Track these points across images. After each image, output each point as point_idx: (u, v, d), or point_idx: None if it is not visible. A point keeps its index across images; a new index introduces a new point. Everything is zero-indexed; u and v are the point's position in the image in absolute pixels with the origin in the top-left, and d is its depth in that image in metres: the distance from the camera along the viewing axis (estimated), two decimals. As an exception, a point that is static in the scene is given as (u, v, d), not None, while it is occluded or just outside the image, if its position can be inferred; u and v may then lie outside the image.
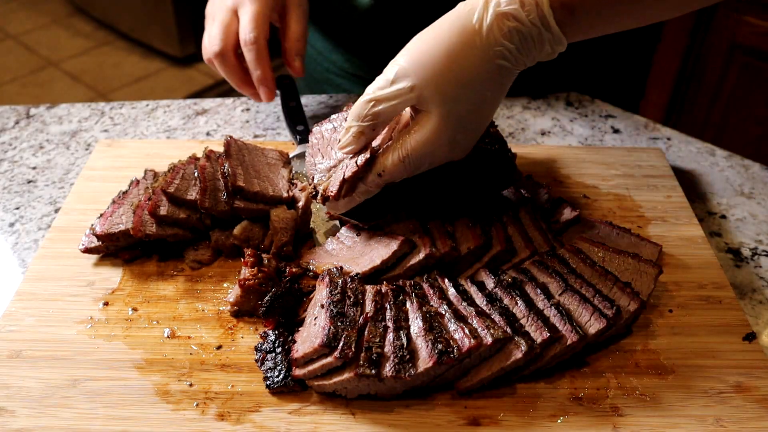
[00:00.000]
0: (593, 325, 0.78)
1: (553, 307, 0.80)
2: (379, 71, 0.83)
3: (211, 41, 1.09)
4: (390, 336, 0.76)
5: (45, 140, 1.21)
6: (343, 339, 0.74)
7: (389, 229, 0.90)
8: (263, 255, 0.89)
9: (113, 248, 0.93)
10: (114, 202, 0.97)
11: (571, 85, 1.33)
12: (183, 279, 0.91)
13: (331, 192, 0.86)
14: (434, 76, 0.78)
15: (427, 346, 0.74)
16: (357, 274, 0.84)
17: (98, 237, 0.91)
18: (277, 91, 1.13)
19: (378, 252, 0.87)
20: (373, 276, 0.86)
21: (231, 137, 1.01)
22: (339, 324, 0.76)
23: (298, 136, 1.12)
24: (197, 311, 0.87)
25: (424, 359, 0.73)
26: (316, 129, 0.99)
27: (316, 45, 1.41)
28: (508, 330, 0.76)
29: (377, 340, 0.75)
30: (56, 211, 1.05)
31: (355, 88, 1.36)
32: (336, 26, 1.32)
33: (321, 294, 0.82)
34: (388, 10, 1.17)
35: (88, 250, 0.93)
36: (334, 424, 0.74)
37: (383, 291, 0.81)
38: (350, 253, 0.90)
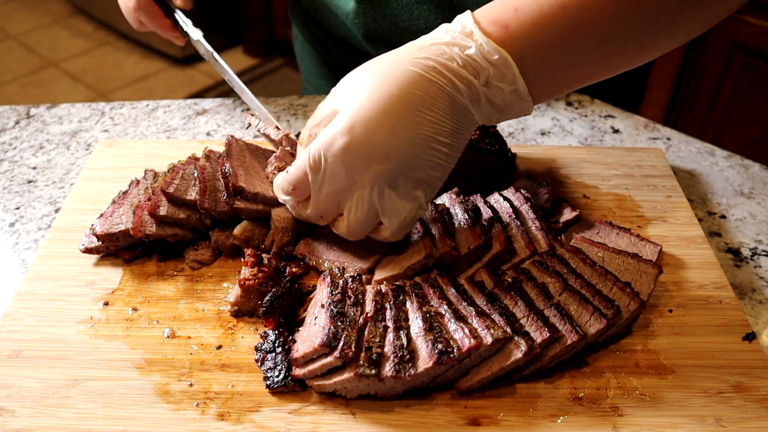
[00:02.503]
0: (593, 325, 0.79)
1: (553, 307, 0.80)
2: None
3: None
4: (390, 336, 0.76)
5: (45, 140, 1.21)
6: (343, 339, 0.74)
7: None
8: (263, 255, 0.89)
9: (113, 248, 0.93)
10: (114, 202, 0.97)
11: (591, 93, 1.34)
12: (183, 279, 0.91)
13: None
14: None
15: (427, 346, 0.74)
16: (359, 274, 0.84)
17: (98, 237, 0.91)
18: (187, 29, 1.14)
19: (376, 242, 0.87)
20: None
21: (233, 137, 1.01)
22: (339, 324, 0.76)
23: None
24: (197, 311, 0.87)
25: (424, 359, 0.73)
26: None
27: (311, 40, 1.41)
28: (508, 330, 0.76)
29: (377, 340, 0.75)
30: (56, 211, 1.05)
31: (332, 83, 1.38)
32: (324, 24, 1.33)
33: (321, 294, 0.82)
34: (368, 16, 1.17)
35: (88, 250, 0.93)
36: (334, 424, 0.74)
37: (383, 291, 0.81)
38: (345, 245, 0.90)
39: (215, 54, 1.11)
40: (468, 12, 0.77)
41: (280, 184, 0.85)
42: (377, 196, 0.78)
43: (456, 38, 0.75)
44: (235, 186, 0.91)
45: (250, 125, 1.05)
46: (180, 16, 1.14)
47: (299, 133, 1.02)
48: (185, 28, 1.14)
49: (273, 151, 1.02)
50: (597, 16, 0.72)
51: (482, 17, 0.76)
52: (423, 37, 0.79)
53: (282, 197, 0.86)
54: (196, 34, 1.13)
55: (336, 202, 0.81)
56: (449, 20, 0.79)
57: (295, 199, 0.84)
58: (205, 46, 1.12)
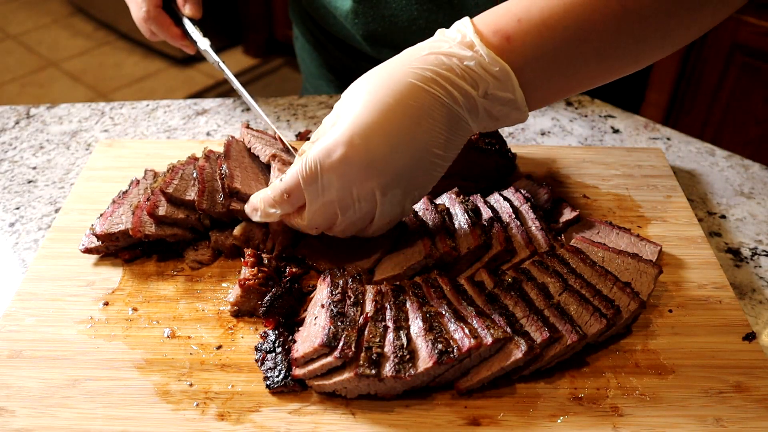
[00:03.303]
0: (593, 325, 0.79)
1: (553, 307, 0.80)
2: (360, 71, 0.82)
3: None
4: (390, 336, 0.76)
5: (45, 140, 1.21)
6: (343, 339, 0.74)
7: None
8: (263, 255, 0.89)
9: (113, 248, 0.93)
10: (114, 202, 0.97)
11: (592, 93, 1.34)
12: (183, 279, 0.91)
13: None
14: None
15: (427, 346, 0.74)
16: (359, 274, 0.84)
17: (98, 237, 0.91)
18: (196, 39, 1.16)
19: (376, 242, 0.88)
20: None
21: (233, 137, 1.01)
22: (339, 324, 0.76)
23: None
24: (197, 311, 0.87)
25: (424, 359, 0.73)
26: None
27: (311, 41, 1.41)
28: (508, 330, 0.76)
29: (377, 340, 0.75)
30: (56, 211, 1.05)
31: (346, 85, 1.37)
32: (323, 25, 1.33)
33: (321, 294, 0.82)
34: (367, 16, 1.17)
35: (88, 250, 0.93)
36: (334, 424, 0.74)
37: (383, 291, 0.81)
38: (345, 245, 0.90)
39: (221, 64, 1.13)
40: (467, 19, 0.76)
41: (272, 194, 0.82)
42: (370, 205, 0.78)
43: (455, 48, 0.74)
44: (230, 188, 0.91)
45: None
46: (189, 26, 1.15)
47: (290, 148, 1.01)
48: (194, 37, 1.15)
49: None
50: (598, 28, 0.72)
51: (483, 26, 0.74)
52: (420, 45, 0.77)
53: (269, 210, 0.82)
54: (203, 43, 1.14)
55: (331, 213, 0.79)
56: (450, 20, 0.79)
57: (288, 208, 0.82)
58: (212, 56, 1.14)
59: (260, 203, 0.84)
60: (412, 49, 0.77)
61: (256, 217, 0.85)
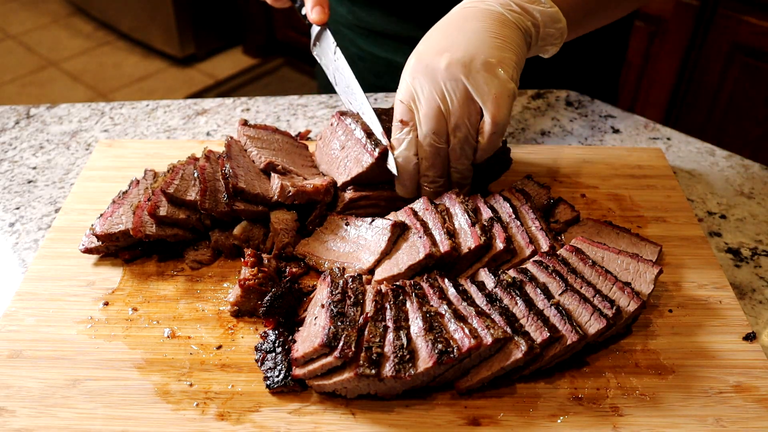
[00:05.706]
0: (593, 325, 0.79)
1: (553, 307, 0.80)
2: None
3: None
4: (390, 336, 0.76)
5: (45, 140, 1.21)
6: (343, 339, 0.74)
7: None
8: (263, 255, 0.89)
9: (113, 248, 0.93)
10: (114, 202, 0.97)
11: (572, 85, 1.33)
12: (183, 279, 0.91)
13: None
14: None
15: (427, 346, 0.74)
16: (359, 274, 0.84)
17: (98, 237, 0.91)
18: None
19: (376, 243, 0.88)
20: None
21: (232, 138, 1.01)
22: (339, 324, 0.76)
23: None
24: (197, 311, 0.87)
25: (424, 359, 0.73)
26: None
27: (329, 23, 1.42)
28: (508, 330, 0.76)
29: (377, 340, 0.75)
30: (56, 211, 1.05)
31: (359, 38, 1.36)
32: (341, 11, 1.33)
33: (321, 294, 0.82)
34: None
35: (88, 250, 0.93)
36: (334, 424, 0.74)
37: (383, 291, 0.81)
38: (345, 245, 0.90)
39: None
40: None
41: (393, 130, 0.92)
42: (462, 87, 0.86)
43: None
44: (235, 187, 0.91)
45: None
46: None
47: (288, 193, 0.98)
48: None
49: (271, 150, 1.02)
50: None
51: None
52: None
53: (399, 136, 0.91)
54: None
55: (436, 112, 0.88)
56: None
57: (409, 128, 0.90)
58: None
59: (395, 144, 0.92)
60: None
61: (396, 161, 0.92)
